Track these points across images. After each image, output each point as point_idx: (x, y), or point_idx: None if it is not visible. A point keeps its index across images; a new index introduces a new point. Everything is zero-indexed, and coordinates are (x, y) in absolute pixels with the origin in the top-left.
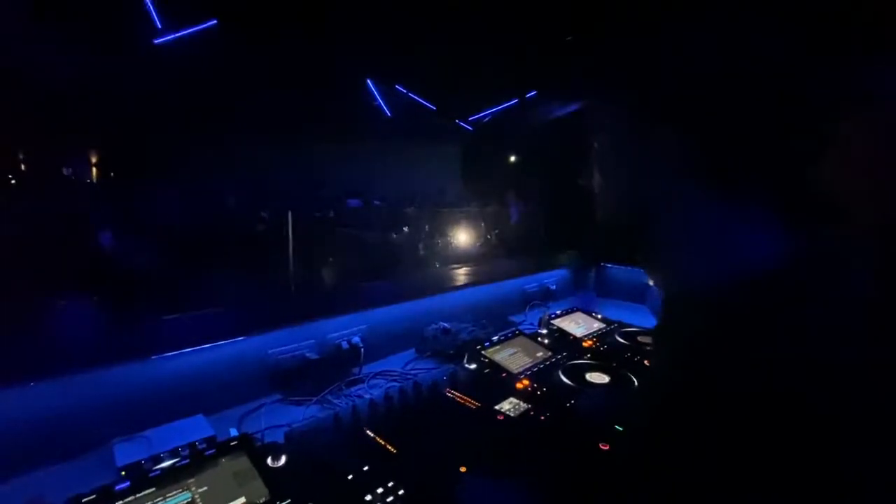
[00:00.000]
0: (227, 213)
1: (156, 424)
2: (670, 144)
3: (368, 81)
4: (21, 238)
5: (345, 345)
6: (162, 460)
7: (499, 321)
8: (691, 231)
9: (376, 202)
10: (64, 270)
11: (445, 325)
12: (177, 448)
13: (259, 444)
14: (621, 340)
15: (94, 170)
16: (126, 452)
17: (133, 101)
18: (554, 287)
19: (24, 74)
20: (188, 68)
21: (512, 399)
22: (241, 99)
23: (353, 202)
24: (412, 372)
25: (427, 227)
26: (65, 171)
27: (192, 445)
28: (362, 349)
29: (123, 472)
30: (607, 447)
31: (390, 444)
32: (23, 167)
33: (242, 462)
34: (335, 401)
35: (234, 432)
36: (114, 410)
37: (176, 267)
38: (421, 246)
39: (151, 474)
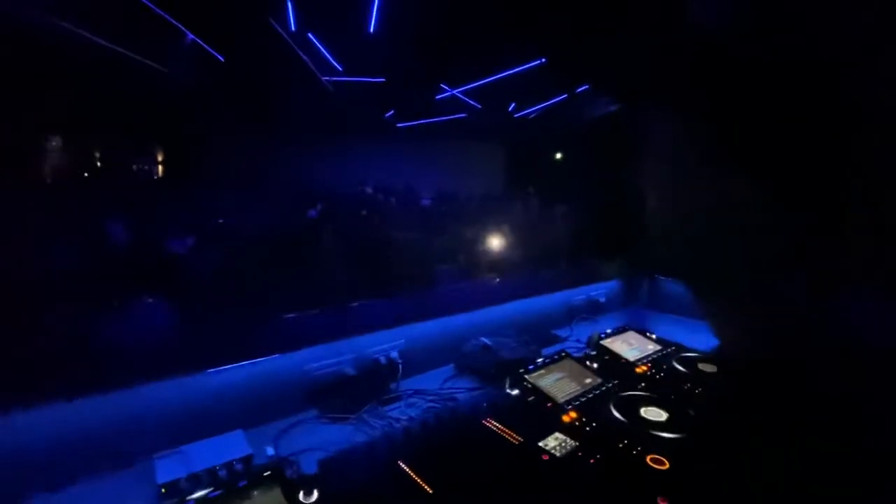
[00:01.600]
0: (266, 217)
1: (196, 437)
2: (756, 209)
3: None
4: (63, 245)
5: (383, 360)
6: (199, 479)
7: (543, 336)
8: (776, 303)
9: (426, 201)
10: (104, 282)
11: (486, 340)
12: (214, 467)
13: (292, 471)
14: (679, 367)
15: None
16: (166, 469)
17: (183, 98)
18: (603, 300)
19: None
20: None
21: (558, 435)
22: (274, 95)
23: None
24: (450, 391)
25: (468, 233)
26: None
27: (228, 465)
28: (400, 364)
29: (164, 490)
30: (666, 503)
31: (426, 483)
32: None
33: (274, 496)
34: (371, 421)
35: (270, 451)
36: (156, 423)
37: (220, 279)
38: (461, 253)
39: None
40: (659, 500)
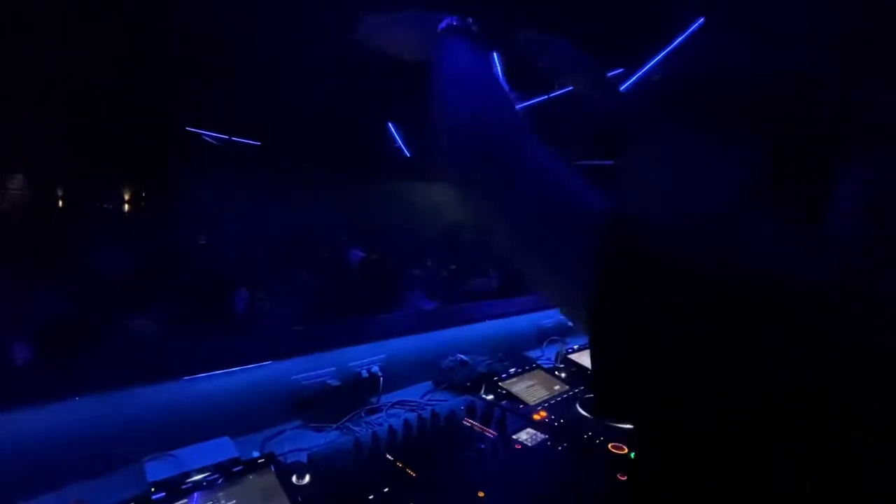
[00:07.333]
0: (261, 232)
1: (184, 444)
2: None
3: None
4: (64, 250)
5: (364, 373)
6: (191, 477)
7: (515, 356)
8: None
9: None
10: (105, 289)
11: (463, 357)
12: (204, 467)
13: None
14: None
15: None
16: (157, 469)
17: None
18: (571, 323)
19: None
20: None
21: (529, 430)
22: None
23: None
24: (430, 402)
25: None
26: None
27: (218, 466)
28: (381, 378)
29: (153, 490)
30: (625, 478)
31: (410, 468)
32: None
33: (268, 479)
34: (355, 428)
35: (256, 454)
36: (146, 428)
37: (216, 291)
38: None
39: (183, 486)
40: (618, 475)
